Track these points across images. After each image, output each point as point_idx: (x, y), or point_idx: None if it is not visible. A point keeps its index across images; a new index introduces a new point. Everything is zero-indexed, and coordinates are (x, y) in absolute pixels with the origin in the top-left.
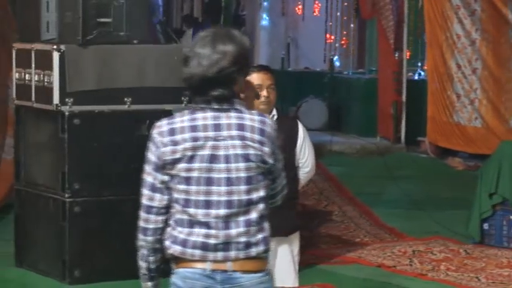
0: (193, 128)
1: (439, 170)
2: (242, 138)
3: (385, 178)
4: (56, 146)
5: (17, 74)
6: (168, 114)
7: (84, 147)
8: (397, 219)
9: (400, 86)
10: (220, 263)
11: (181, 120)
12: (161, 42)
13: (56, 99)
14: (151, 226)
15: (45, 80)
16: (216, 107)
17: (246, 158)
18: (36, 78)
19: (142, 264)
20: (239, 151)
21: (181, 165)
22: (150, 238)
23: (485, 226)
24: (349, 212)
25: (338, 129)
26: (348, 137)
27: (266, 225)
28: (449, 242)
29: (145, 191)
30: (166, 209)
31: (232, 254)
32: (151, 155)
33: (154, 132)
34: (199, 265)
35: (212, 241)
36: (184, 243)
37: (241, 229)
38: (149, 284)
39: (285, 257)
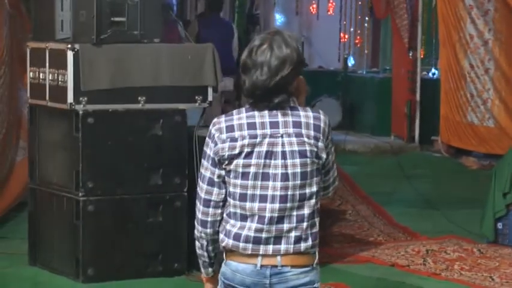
0: (251, 125)
1: (453, 169)
2: (298, 135)
3: (399, 177)
4: (69, 144)
5: (31, 73)
6: (182, 113)
7: (98, 146)
8: (410, 218)
9: (414, 85)
10: (270, 258)
11: (239, 117)
12: (183, 40)
13: (70, 98)
14: (210, 219)
15: (59, 79)
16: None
17: (303, 154)
18: (50, 77)
19: (202, 253)
20: (296, 148)
21: (239, 161)
22: (209, 230)
23: (499, 225)
24: (362, 211)
25: (352, 128)
26: (362, 136)
27: (317, 220)
28: (463, 242)
29: (204, 185)
30: (224, 202)
31: (282, 248)
32: (209, 151)
33: (213, 129)
34: (251, 261)
35: (264, 235)
36: (236, 237)
37: (293, 224)
38: (210, 270)
39: None
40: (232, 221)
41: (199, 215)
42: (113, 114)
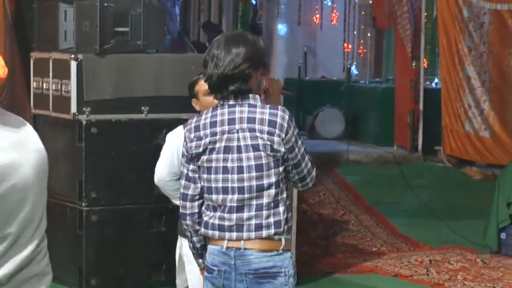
0: (213, 124)
1: (456, 179)
2: (252, 130)
3: (402, 187)
4: (73, 154)
5: (34, 83)
6: (185, 123)
7: (101, 156)
8: (414, 228)
9: (417, 94)
10: (235, 242)
11: (205, 117)
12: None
13: (73, 108)
14: (188, 212)
15: (63, 89)
16: (231, 102)
17: (256, 148)
18: (53, 88)
19: (190, 244)
20: (249, 142)
21: (204, 157)
22: (188, 222)
23: (503, 236)
24: (365, 221)
25: (355, 138)
26: (365, 146)
27: (280, 209)
28: (466, 252)
29: (182, 181)
30: (199, 196)
31: (245, 234)
32: (184, 149)
33: (185, 129)
34: (219, 243)
35: (226, 223)
36: (206, 225)
37: (253, 213)
38: (200, 261)
39: None
40: (207, 212)
41: (180, 209)
42: (116, 124)
